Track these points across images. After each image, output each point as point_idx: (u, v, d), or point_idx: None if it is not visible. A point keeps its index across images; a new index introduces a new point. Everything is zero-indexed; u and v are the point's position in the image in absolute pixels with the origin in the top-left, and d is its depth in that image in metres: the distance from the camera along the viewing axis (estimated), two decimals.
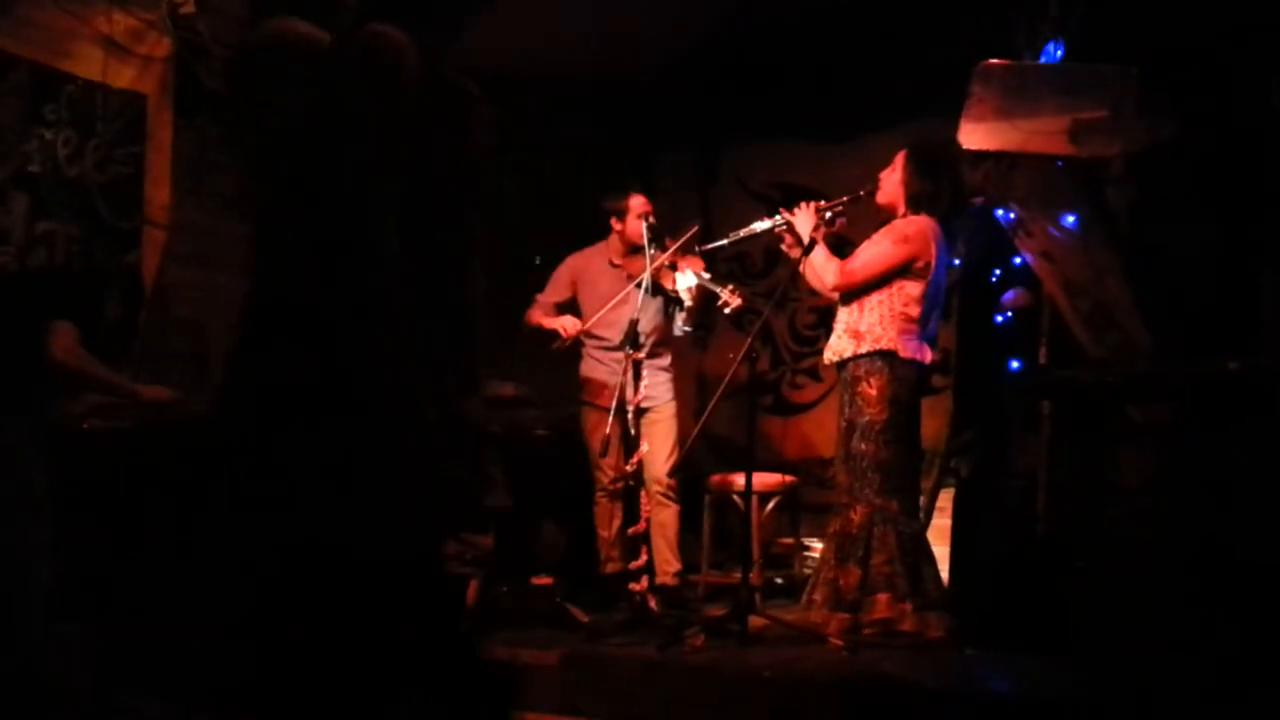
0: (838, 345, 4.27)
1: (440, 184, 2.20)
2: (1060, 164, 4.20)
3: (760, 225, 4.48)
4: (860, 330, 4.18)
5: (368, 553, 2.06)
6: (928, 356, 4.20)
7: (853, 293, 4.26)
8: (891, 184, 4.31)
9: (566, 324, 4.98)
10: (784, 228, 4.41)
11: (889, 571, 4.02)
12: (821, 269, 4.29)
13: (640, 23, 5.44)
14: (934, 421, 5.04)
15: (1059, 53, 4.19)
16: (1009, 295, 4.83)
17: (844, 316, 4.29)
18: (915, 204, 4.25)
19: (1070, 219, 4.18)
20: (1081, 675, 3.55)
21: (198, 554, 2.32)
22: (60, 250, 4.08)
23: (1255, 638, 3.38)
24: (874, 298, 4.20)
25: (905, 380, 4.13)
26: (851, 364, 4.19)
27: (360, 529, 2.05)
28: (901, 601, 4.00)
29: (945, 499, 4.77)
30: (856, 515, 4.11)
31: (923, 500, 4.79)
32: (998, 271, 4.72)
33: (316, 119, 2.09)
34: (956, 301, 4.94)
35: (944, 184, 4.27)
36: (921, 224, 4.20)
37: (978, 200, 4.48)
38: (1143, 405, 4.01)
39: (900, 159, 4.30)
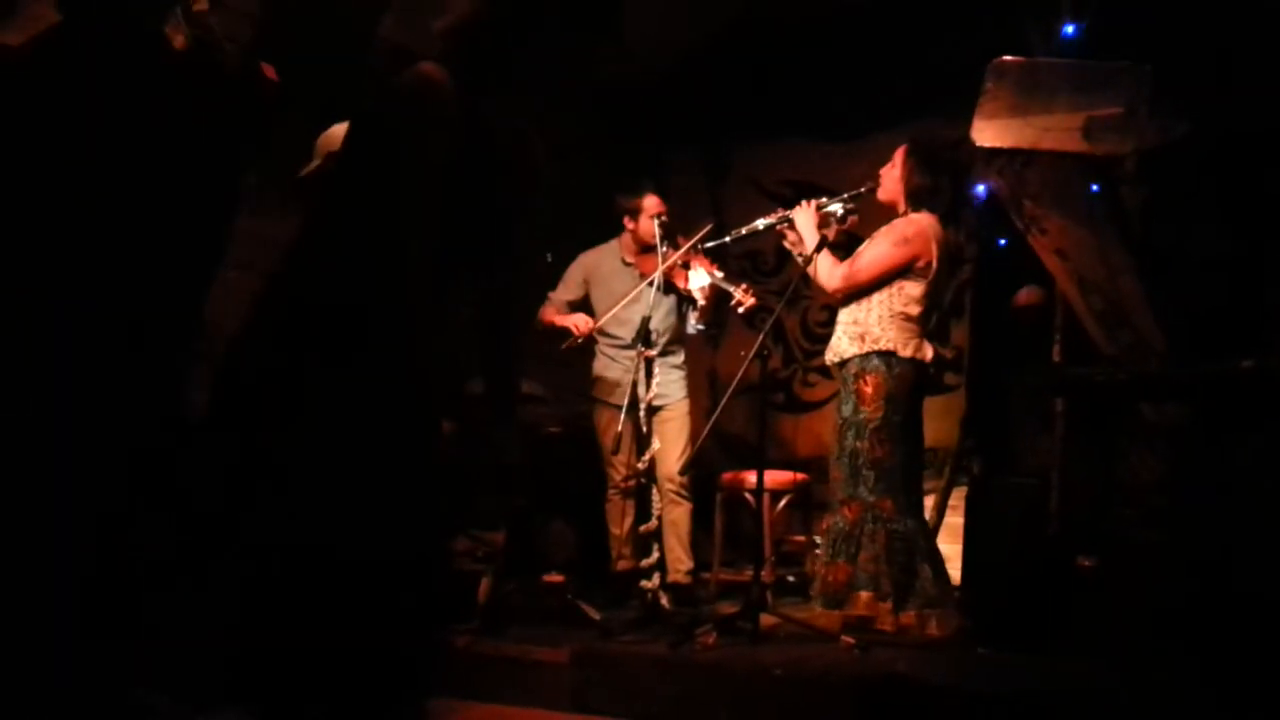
0: (838, 346, 4.26)
1: (485, 212, 2.23)
2: (1073, 161, 4.19)
3: (761, 223, 4.48)
4: (860, 331, 4.18)
5: (372, 553, 2.06)
6: (929, 355, 4.19)
7: (852, 294, 4.25)
8: (891, 180, 4.30)
9: (579, 322, 4.98)
10: (785, 225, 4.42)
11: (873, 570, 4.03)
12: (826, 272, 4.28)
13: (651, 22, 5.43)
14: (947, 419, 5.04)
15: (1072, 30, 4.18)
16: (1022, 292, 4.83)
17: (844, 317, 4.29)
18: (915, 200, 4.24)
19: (1084, 216, 4.17)
20: (1093, 674, 3.54)
21: (203, 553, 2.32)
22: None
23: (1266, 637, 3.37)
24: (874, 298, 4.19)
25: (903, 379, 4.11)
26: (850, 363, 4.19)
27: (366, 530, 2.06)
28: (881, 601, 4.00)
29: (958, 497, 4.76)
30: (850, 512, 4.11)
31: (935, 499, 4.78)
32: (1011, 270, 4.72)
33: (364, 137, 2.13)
34: (970, 299, 4.94)
35: (944, 179, 4.25)
36: (922, 223, 4.19)
37: (979, 188, 4.47)
38: (1156, 404, 4.00)
39: (899, 155, 4.29)
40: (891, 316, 4.14)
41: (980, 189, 4.50)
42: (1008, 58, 4.12)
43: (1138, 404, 4.04)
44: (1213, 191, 4.04)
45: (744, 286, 4.63)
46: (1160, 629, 3.60)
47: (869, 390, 4.10)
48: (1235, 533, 3.56)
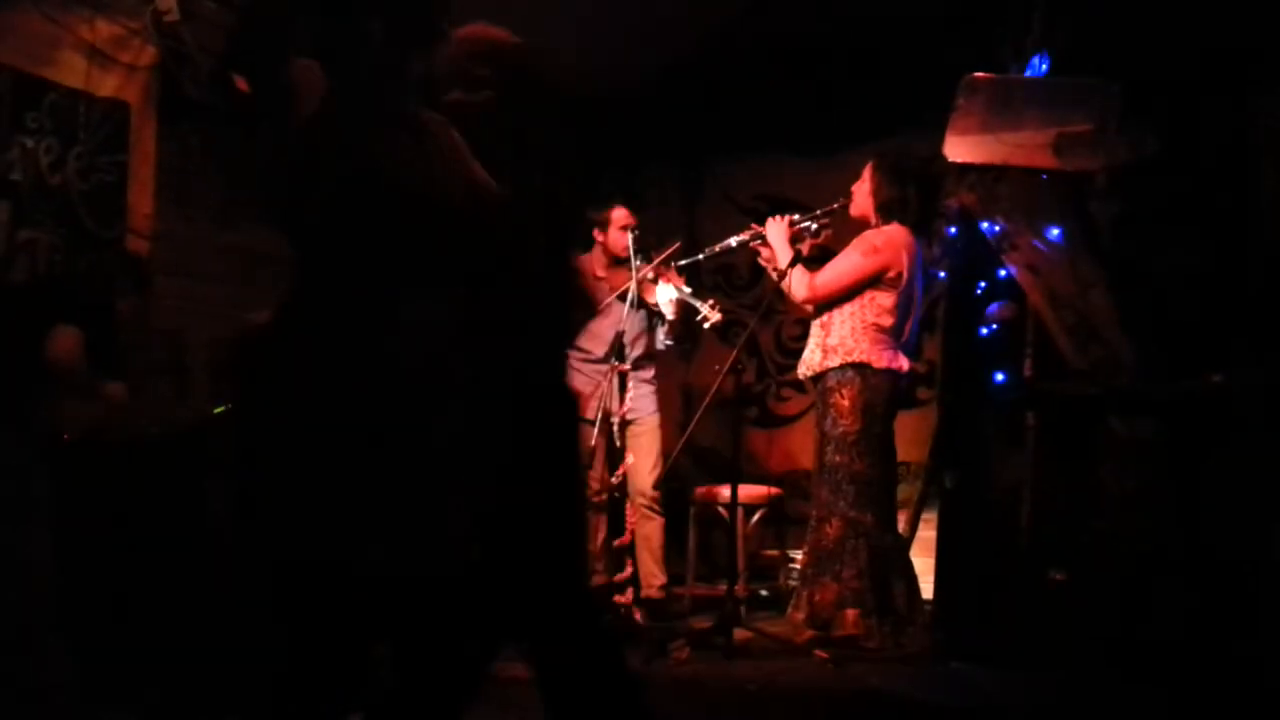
0: (810, 359, 4.27)
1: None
2: (1044, 177, 4.21)
3: (735, 240, 4.52)
4: (831, 344, 4.18)
5: (377, 569, 2.05)
6: (904, 365, 4.20)
7: (824, 305, 4.26)
8: (862, 195, 4.33)
9: None
10: (758, 242, 4.43)
11: (858, 586, 4.02)
12: (795, 283, 4.29)
13: (627, 36, 5.44)
14: (919, 433, 5.04)
15: (1044, 66, 4.21)
16: (994, 308, 4.84)
17: (816, 330, 4.30)
18: (886, 212, 4.27)
19: (1055, 231, 4.19)
20: (1064, 688, 3.54)
21: (185, 565, 2.31)
22: (42, 259, 4.05)
23: (1237, 650, 3.39)
24: (845, 310, 4.21)
25: (879, 390, 4.12)
26: (825, 376, 4.19)
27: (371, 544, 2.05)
28: (868, 617, 3.99)
29: (929, 511, 4.77)
30: (832, 529, 4.10)
31: (908, 513, 4.79)
32: (983, 284, 4.73)
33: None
34: (942, 314, 4.95)
35: (911, 190, 4.28)
36: (891, 233, 4.21)
37: (952, 203, 4.50)
38: (1126, 418, 4.02)
39: (868, 169, 4.33)
40: (864, 328, 4.15)
41: (953, 204, 4.54)
42: (979, 74, 4.15)
43: (1108, 418, 4.06)
44: (1185, 205, 4.08)
45: (711, 302, 4.65)
46: (1132, 642, 3.61)
47: (845, 403, 4.11)
48: (1207, 546, 3.58)
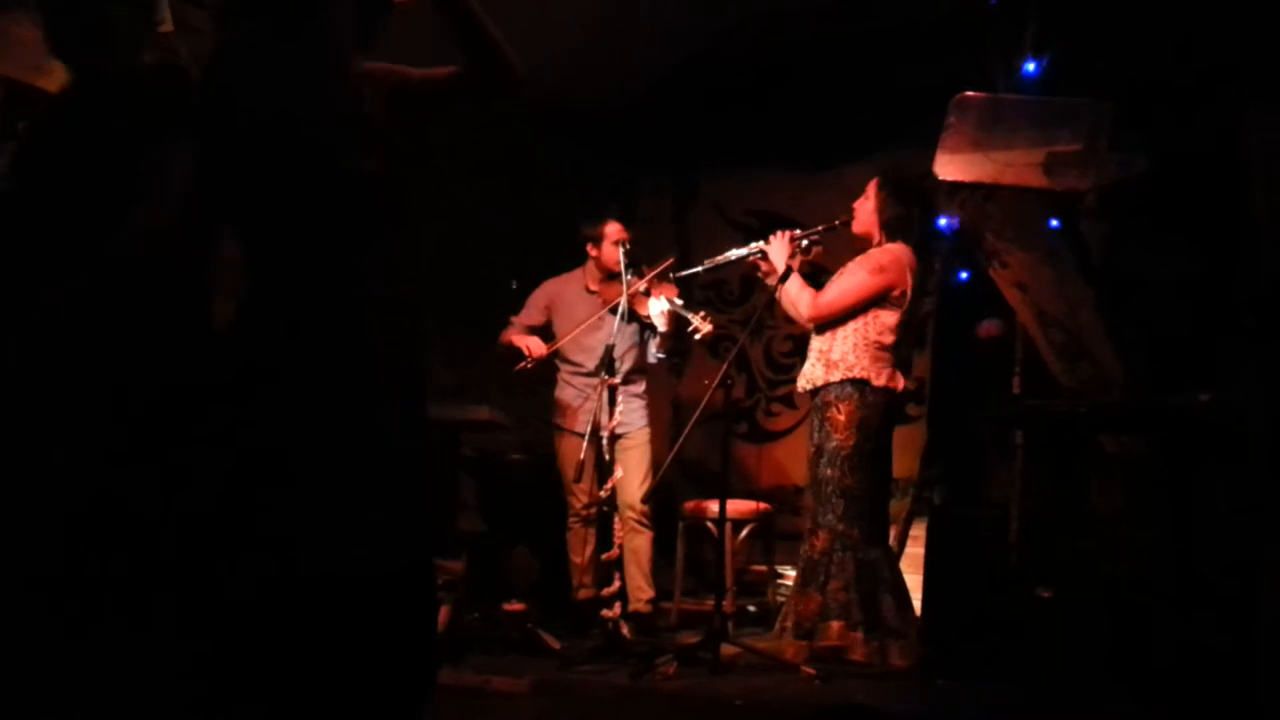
0: (811, 373, 4.28)
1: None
2: (1035, 196, 4.24)
3: (735, 253, 4.51)
4: (834, 359, 4.19)
5: (357, 570, 2.04)
6: (900, 384, 4.22)
7: (827, 322, 4.27)
8: (865, 212, 4.33)
9: (533, 344, 4.97)
10: (759, 256, 4.44)
11: (844, 599, 4.02)
12: (796, 299, 4.31)
13: (620, 49, 5.46)
14: (908, 450, 5.06)
15: (1033, 67, 4.23)
16: (983, 325, 4.87)
17: (817, 344, 4.31)
18: (890, 231, 4.28)
19: (1044, 250, 4.21)
20: (1050, 706, 3.54)
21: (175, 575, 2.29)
22: None
23: (1223, 667, 3.40)
24: (849, 326, 4.21)
25: (876, 407, 4.13)
26: (823, 391, 4.20)
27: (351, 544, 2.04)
28: (853, 630, 3.99)
29: (918, 527, 4.78)
30: (820, 541, 4.11)
31: (896, 529, 4.79)
32: (972, 301, 4.76)
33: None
34: (932, 330, 4.97)
35: (915, 209, 4.30)
36: (897, 252, 4.22)
37: (943, 220, 4.52)
38: (1115, 436, 4.03)
39: (873, 186, 4.34)
40: (865, 345, 4.16)
41: (944, 222, 4.56)
42: (970, 93, 4.17)
43: (1097, 436, 4.07)
44: (1175, 223, 4.10)
45: (702, 314, 4.66)
46: (1119, 659, 3.61)
47: (842, 418, 4.11)
48: (1195, 563, 3.59)
